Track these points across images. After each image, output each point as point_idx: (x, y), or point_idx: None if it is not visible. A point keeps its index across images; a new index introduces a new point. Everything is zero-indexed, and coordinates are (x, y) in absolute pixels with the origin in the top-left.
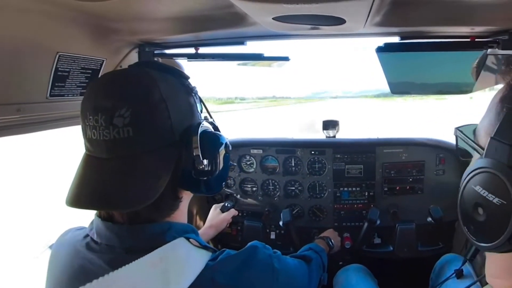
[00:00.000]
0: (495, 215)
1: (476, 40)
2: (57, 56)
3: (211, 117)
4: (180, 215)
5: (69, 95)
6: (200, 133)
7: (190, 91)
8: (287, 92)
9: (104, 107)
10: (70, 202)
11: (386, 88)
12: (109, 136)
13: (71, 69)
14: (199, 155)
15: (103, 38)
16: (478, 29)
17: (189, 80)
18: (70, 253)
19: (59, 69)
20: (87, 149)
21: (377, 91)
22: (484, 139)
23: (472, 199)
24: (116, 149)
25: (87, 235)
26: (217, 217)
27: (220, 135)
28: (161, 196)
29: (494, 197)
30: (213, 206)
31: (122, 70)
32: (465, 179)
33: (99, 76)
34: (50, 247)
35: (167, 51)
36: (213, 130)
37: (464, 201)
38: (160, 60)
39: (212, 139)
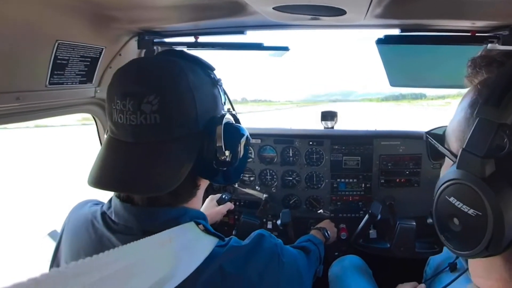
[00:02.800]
0: (471, 226)
1: (476, 34)
2: (57, 44)
3: (233, 109)
4: (196, 202)
5: (69, 83)
6: (223, 125)
7: (215, 82)
8: (284, 95)
9: (133, 93)
10: (93, 183)
11: (391, 90)
12: (136, 121)
13: (71, 57)
14: (221, 146)
15: (103, 26)
16: (479, 23)
17: (214, 71)
18: (88, 229)
19: (59, 57)
20: (112, 131)
21: (380, 94)
22: (454, 144)
23: (447, 209)
24: (142, 135)
25: (104, 213)
26: (212, 209)
27: (242, 127)
28: (182, 183)
29: (469, 208)
30: (209, 197)
31: (151, 58)
32: (439, 189)
33: (99, 64)
34: (50, 234)
35: (167, 40)
36: (234, 122)
37: (439, 211)
38: (159, 48)
39: (235, 131)
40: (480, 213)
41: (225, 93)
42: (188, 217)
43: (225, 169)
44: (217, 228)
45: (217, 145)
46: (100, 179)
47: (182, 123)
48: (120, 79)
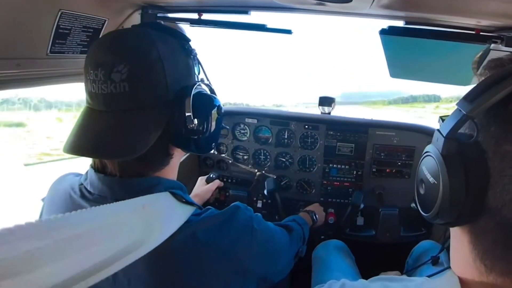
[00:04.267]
0: (430, 192)
1: (480, 33)
2: (59, 13)
3: (208, 80)
4: (171, 172)
5: (70, 53)
6: (193, 94)
7: (189, 53)
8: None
9: (103, 63)
10: (67, 149)
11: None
12: (107, 90)
13: (73, 27)
14: (190, 115)
15: None
16: (484, 22)
17: (189, 42)
18: (65, 200)
19: (61, 26)
20: (87, 101)
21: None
22: None
23: (420, 175)
24: (112, 103)
25: (81, 184)
26: (201, 187)
27: (214, 98)
28: (152, 150)
29: (430, 176)
30: (199, 178)
31: (125, 29)
32: (420, 159)
33: (101, 35)
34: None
35: (170, 15)
36: (209, 92)
37: (417, 176)
38: (163, 23)
39: (205, 100)
40: (436, 182)
41: (199, 63)
42: (162, 187)
43: (195, 137)
44: (210, 205)
45: (186, 114)
46: (72, 145)
47: (151, 91)
48: (94, 50)
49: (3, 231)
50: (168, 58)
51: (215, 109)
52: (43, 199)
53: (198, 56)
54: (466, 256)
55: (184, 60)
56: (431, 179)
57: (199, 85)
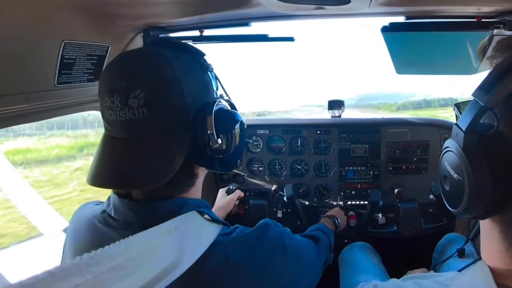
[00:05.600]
0: (455, 188)
1: (482, 20)
2: (63, 44)
3: (227, 95)
4: (195, 191)
5: (77, 82)
6: (214, 111)
7: (205, 68)
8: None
9: (119, 89)
10: (91, 181)
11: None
12: (125, 117)
13: (77, 56)
14: (213, 133)
15: (108, 24)
16: (485, 9)
17: (204, 57)
18: (89, 228)
19: (65, 56)
20: (106, 129)
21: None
22: None
23: (443, 172)
24: (132, 130)
25: (104, 211)
26: (223, 199)
27: (235, 113)
28: (177, 173)
29: (454, 172)
30: (220, 190)
31: (136, 50)
32: (441, 155)
33: (105, 61)
34: (65, 230)
35: (172, 35)
36: (229, 108)
37: (439, 172)
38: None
39: (227, 117)
40: (461, 178)
41: (217, 78)
42: (189, 207)
43: (220, 156)
44: (231, 219)
45: (209, 132)
46: (96, 177)
47: (171, 114)
48: (106, 76)
49: (44, 275)
50: (185, 77)
51: (238, 124)
52: (65, 230)
53: (215, 71)
54: (498, 246)
55: (201, 76)
56: (455, 176)
57: (220, 101)
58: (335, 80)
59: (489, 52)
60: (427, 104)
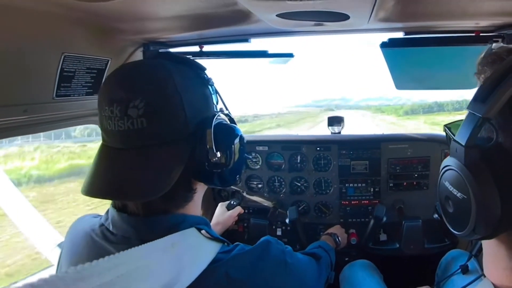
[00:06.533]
0: (460, 208)
1: (480, 34)
2: (63, 56)
3: (227, 109)
4: (194, 207)
5: (75, 95)
6: (214, 126)
7: (206, 82)
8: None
9: (119, 98)
10: (86, 191)
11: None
12: (124, 127)
13: (77, 69)
14: (212, 148)
15: (108, 38)
16: (483, 23)
17: (205, 71)
18: (87, 242)
19: (65, 69)
20: (103, 139)
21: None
22: None
23: (443, 192)
24: (131, 140)
25: (102, 225)
26: (223, 214)
27: (235, 128)
28: (175, 187)
29: (457, 191)
30: (219, 204)
31: (138, 61)
32: (439, 175)
33: (105, 75)
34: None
35: (172, 50)
36: (228, 122)
37: (439, 193)
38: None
39: (226, 131)
40: (466, 197)
41: (217, 92)
42: (188, 224)
43: (219, 171)
44: (228, 236)
45: (208, 147)
46: (91, 187)
47: (170, 126)
48: (106, 86)
49: (26, 287)
50: (185, 90)
51: (237, 139)
52: (59, 245)
53: (215, 85)
54: (505, 263)
55: (201, 90)
56: (458, 194)
57: (219, 115)
58: (331, 80)
59: (477, 67)
60: (439, 107)
